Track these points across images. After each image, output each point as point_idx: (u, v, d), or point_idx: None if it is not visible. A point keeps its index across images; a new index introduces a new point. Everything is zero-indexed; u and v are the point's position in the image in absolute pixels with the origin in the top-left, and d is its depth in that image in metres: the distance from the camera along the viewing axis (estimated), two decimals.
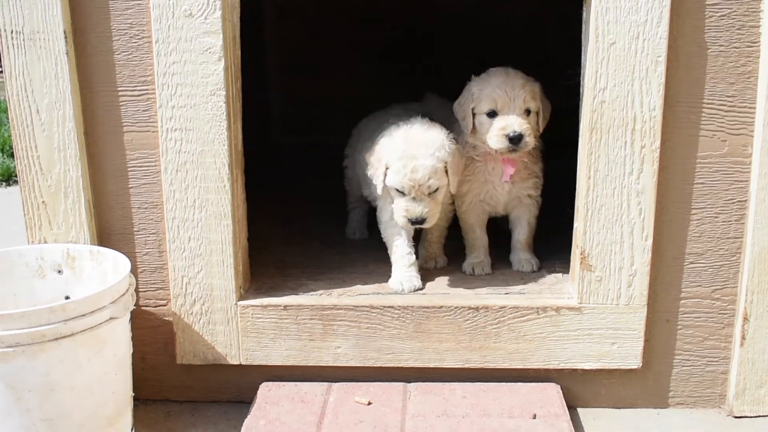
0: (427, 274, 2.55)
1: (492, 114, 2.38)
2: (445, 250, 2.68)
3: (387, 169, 2.32)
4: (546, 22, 3.93)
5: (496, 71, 2.42)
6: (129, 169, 2.27)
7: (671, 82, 2.13)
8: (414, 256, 2.46)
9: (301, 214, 3.26)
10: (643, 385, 2.35)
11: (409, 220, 2.30)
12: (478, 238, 2.59)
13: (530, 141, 2.35)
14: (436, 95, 2.96)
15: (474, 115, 2.43)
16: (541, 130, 2.43)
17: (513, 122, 2.33)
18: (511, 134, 2.32)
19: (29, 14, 2.13)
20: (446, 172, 2.32)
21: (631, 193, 2.18)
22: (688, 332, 2.31)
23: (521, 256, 2.59)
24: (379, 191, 2.39)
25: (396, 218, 2.35)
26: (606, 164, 2.18)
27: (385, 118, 2.55)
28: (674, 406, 2.36)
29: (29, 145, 2.22)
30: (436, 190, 2.31)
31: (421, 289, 2.41)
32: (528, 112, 2.37)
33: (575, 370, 2.33)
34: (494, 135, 2.36)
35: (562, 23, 2.74)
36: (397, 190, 2.32)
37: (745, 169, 2.20)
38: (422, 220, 2.30)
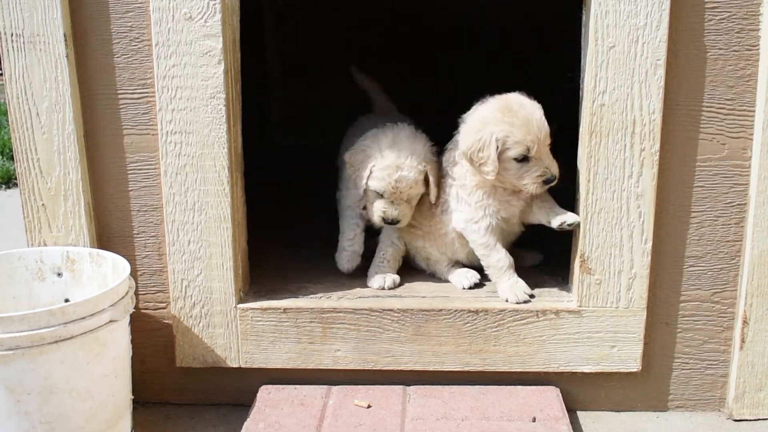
0: (427, 277, 2.55)
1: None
2: None
3: None
4: (545, 23, 3.93)
5: None
6: (129, 172, 2.27)
7: (671, 86, 2.14)
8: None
9: (300, 217, 3.26)
10: (643, 388, 2.35)
11: None
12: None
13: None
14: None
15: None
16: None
17: None
18: None
19: (29, 17, 2.13)
20: None
21: (631, 196, 2.18)
22: (688, 335, 2.31)
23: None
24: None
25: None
26: (605, 167, 2.18)
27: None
28: (674, 409, 2.36)
29: (29, 147, 2.22)
30: None
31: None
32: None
33: (575, 373, 2.33)
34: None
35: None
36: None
37: (744, 172, 2.20)
38: None
